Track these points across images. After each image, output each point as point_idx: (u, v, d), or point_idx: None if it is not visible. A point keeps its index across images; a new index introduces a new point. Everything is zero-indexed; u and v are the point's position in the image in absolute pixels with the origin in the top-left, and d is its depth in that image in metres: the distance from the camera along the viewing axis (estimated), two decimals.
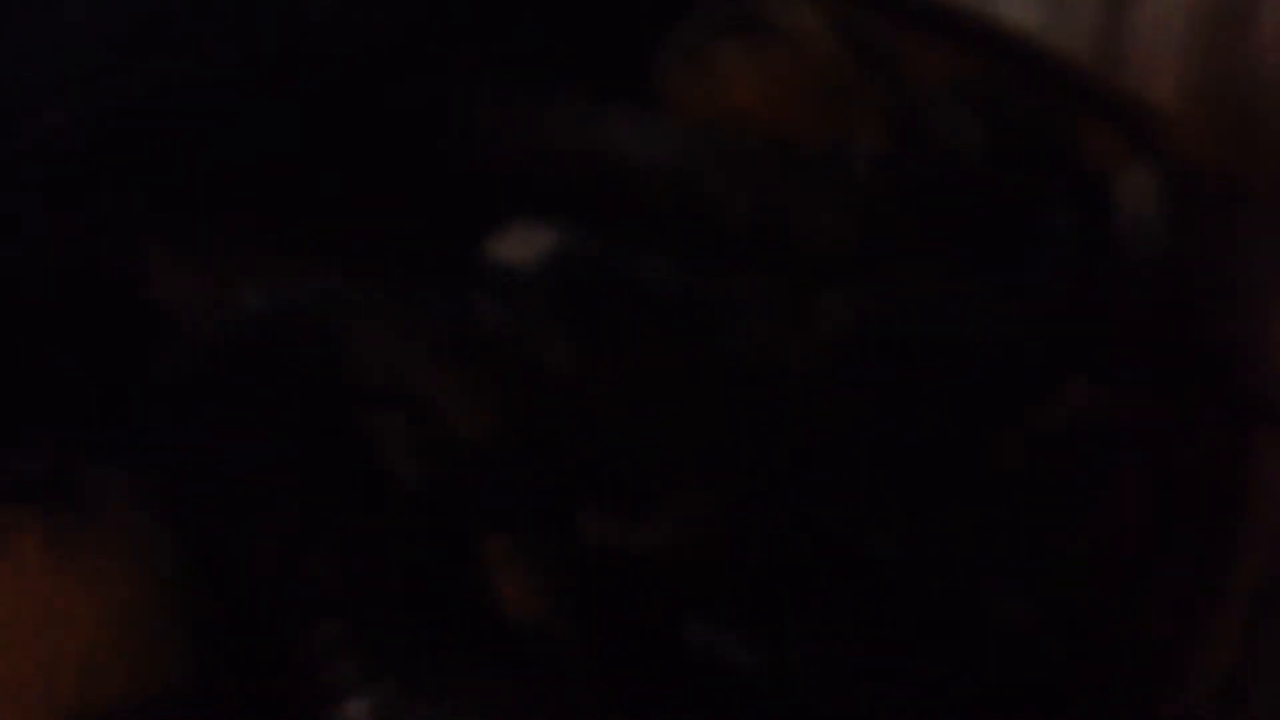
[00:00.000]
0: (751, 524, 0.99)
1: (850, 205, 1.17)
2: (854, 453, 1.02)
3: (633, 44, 1.43)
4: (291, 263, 1.16)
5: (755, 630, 0.93)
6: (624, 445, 1.04)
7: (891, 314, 1.08)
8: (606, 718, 0.93)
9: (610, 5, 1.47)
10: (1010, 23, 1.75)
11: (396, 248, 1.19)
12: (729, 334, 1.07)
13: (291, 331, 1.03)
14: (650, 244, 1.15)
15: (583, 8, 1.44)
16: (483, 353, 1.06)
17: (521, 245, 1.16)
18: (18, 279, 1.10)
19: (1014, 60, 1.36)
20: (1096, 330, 1.09)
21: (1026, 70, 1.35)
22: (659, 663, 0.94)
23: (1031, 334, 1.09)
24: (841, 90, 1.36)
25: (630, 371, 1.06)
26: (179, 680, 0.90)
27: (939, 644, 0.94)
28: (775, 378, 1.06)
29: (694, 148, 1.24)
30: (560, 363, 1.06)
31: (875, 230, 1.16)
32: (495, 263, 1.12)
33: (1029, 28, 1.80)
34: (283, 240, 1.18)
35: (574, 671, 0.94)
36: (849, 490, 1.00)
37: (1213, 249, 1.19)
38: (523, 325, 1.07)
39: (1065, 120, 1.31)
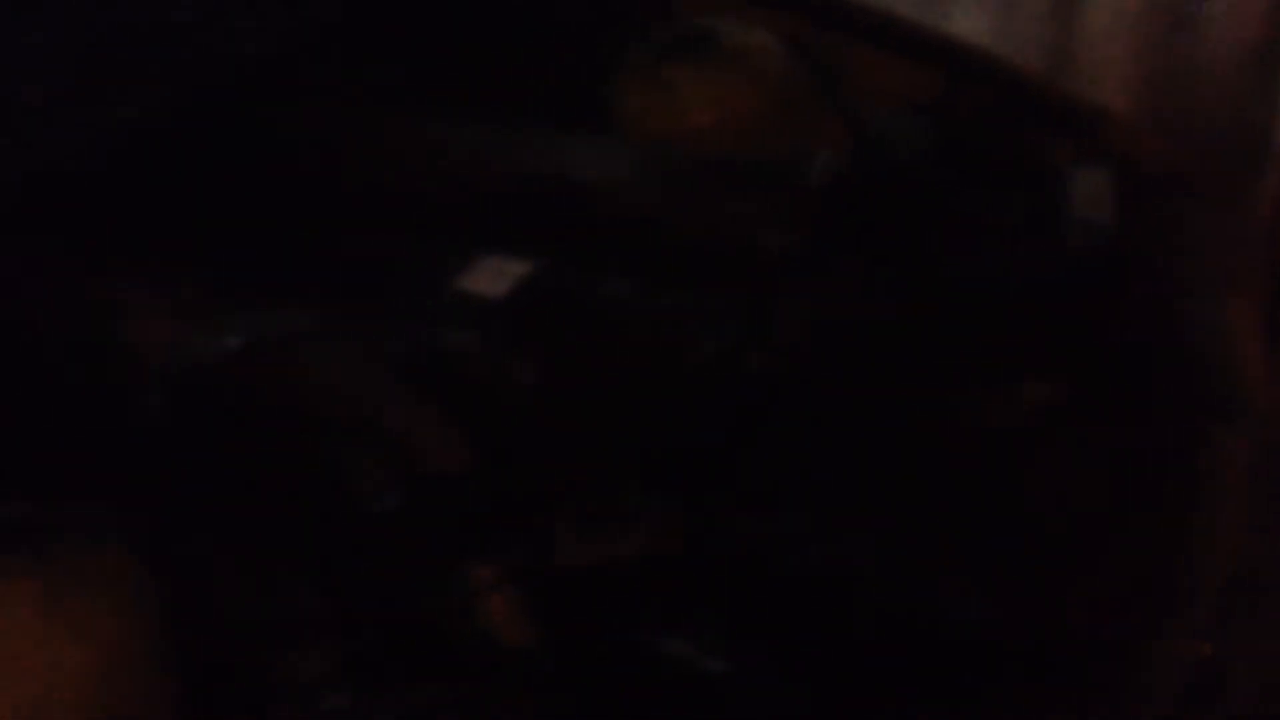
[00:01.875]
0: (718, 533, 1.01)
1: (805, 216, 1.18)
2: (815, 456, 1.03)
3: (588, 67, 1.45)
4: (260, 299, 1.17)
5: (724, 638, 0.95)
6: (594, 463, 1.05)
7: (847, 319, 1.10)
8: None
9: (564, 30, 1.48)
10: (961, 32, 1.76)
11: (363, 280, 1.21)
12: (691, 347, 1.08)
13: (262, 369, 1.04)
14: (612, 263, 1.17)
15: (537, 34, 1.46)
16: (451, 382, 1.08)
17: (491, 279, 1.18)
18: None
19: (965, 69, 1.37)
20: (1050, 327, 1.11)
21: (977, 78, 1.37)
22: (634, 674, 0.95)
23: (985, 333, 1.10)
24: (795, 105, 1.37)
25: (597, 390, 1.07)
26: (169, 718, 0.91)
27: (900, 645, 0.95)
28: (737, 386, 1.07)
29: (650, 167, 1.26)
30: (527, 386, 1.07)
31: (830, 238, 1.18)
32: (464, 295, 1.14)
33: (979, 37, 1.82)
34: (252, 277, 1.19)
35: (558, 690, 0.95)
36: (811, 494, 1.01)
37: (1164, 244, 1.20)
38: (490, 353, 1.09)
39: (1016, 125, 1.32)
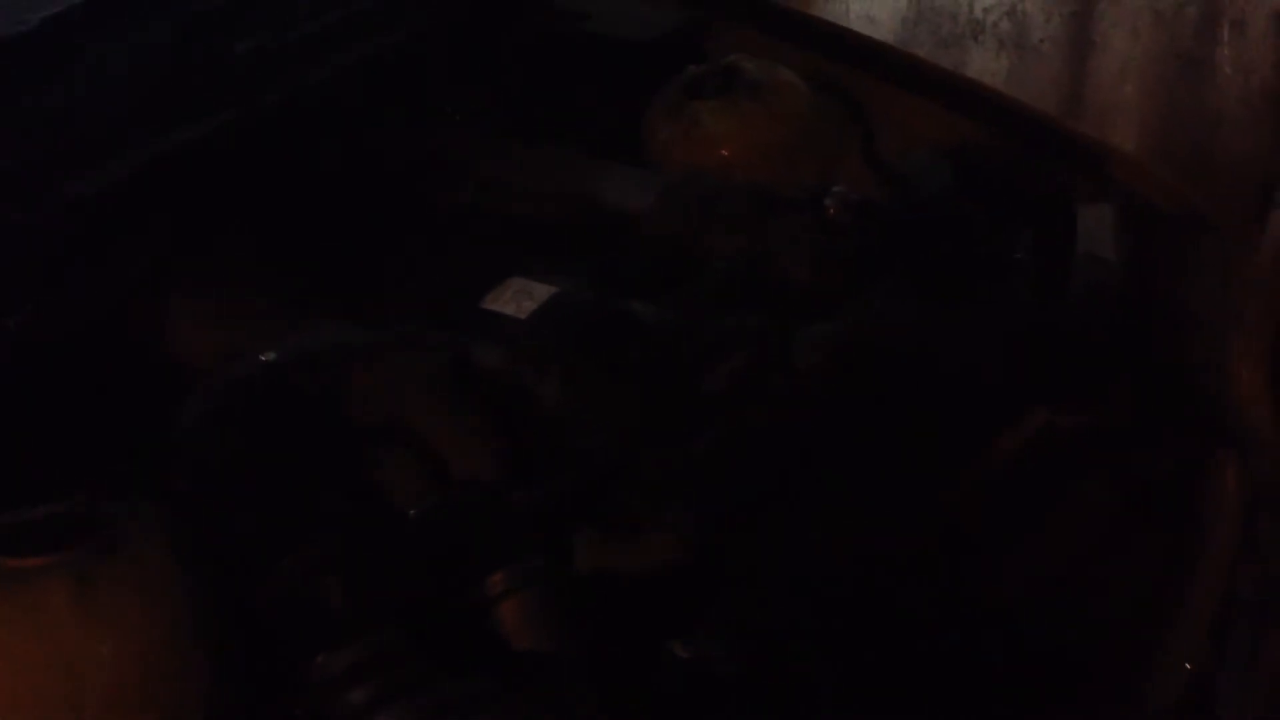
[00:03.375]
0: (734, 544, 1.04)
1: (825, 245, 1.23)
2: (830, 473, 1.06)
3: (622, 102, 1.50)
4: (301, 311, 1.21)
5: (740, 643, 0.97)
6: (615, 474, 1.08)
7: (863, 346, 1.13)
8: None
9: (601, 67, 1.54)
10: (977, 74, 1.80)
11: (400, 296, 1.25)
12: (711, 368, 1.12)
13: (300, 378, 1.08)
14: (638, 285, 1.21)
15: (576, 70, 1.51)
16: (480, 393, 1.11)
17: (519, 298, 1.22)
18: (46, 333, 1.16)
19: (981, 109, 1.42)
20: (1057, 356, 1.14)
21: (992, 118, 1.41)
22: (652, 677, 0.98)
23: (995, 361, 1.14)
24: (818, 139, 1.42)
25: (620, 405, 1.11)
26: (200, 713, 0.94)
27: (908, 652, 0.97)
28: (756, 407, 1.11)
29: (678, 194, 1.31)
30: (552, 400, 1.11)
31: (849, 267, 1.22)
32: (492, 314, 1.18)
33: (995, 79, 1.86)
34: (293, 291, 1.24)
35: (576, 691, 0.98)
36: (825, 509, 1.04)
37: (1170, 279, 1.24)
38: (517, 366, 1.13)
39: (1028, 163, 1.36)
